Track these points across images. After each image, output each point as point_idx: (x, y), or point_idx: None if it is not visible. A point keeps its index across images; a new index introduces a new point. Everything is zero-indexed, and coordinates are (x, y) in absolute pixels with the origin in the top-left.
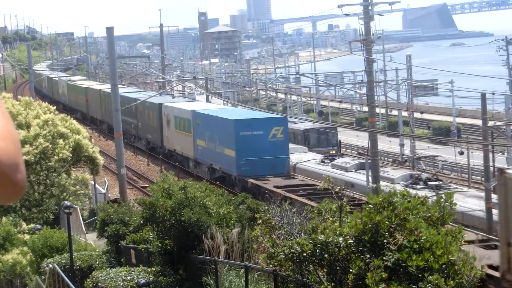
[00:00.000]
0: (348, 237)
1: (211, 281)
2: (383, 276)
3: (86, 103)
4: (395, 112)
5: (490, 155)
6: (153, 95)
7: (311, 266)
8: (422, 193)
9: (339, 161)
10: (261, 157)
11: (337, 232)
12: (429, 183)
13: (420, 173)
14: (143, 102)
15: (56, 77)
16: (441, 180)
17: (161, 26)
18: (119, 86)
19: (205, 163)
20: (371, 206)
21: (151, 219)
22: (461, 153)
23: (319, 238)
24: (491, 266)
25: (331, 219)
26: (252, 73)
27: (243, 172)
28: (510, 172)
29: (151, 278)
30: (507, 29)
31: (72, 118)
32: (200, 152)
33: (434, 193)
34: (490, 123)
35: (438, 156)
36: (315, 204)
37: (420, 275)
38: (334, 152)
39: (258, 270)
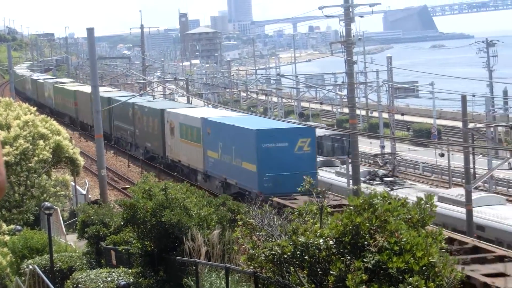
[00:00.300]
0: (328, 238)
1: (192, 283)
2: (364, 277)
3: (75, 107)
4: (375, 114)
5: (471, 157)
6: (156, 100)
7: (291, 267)
8: (379, 188)
9: None
10: (286, 172)
11: (318, 234)
12: (385, 179)
13: (377, 169)
14: (141, 107)
15: (41, 79)
16: (397, 177)
17: (141, 27)
18: (114, 89)
19: (217, 177)
20: (351, 207)
21: (131, 220)
22: (442, 155)
23: (300, 239)
24: None
25: (311, 220)
26: (233, 74)
27: (265, 189)
28: None
29: (131, 280)
30: (488, 31)
31: (52, 119)
32: (211, 164)
33: (389, 188)
34: (471, 125)
35: (394, 153)
36: None
37: (400, 277)
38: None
39: (238, 271)
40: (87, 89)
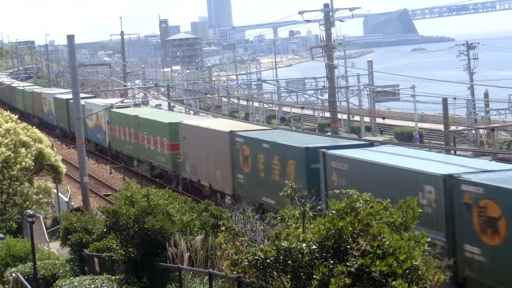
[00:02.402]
0: (311, 243)
1: None
2: (347, 281)
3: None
4: (357, 118)
5: None
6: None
7: (275, 272)
8: None
9: None
10: None
11: (300, 238)
12: None
13: None
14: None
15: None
16: None
17: (122, 33)
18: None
19: None
20: (334, 211)
21: (114, 227)
22: None
23: (283, 244)
24: None
25: (294, 225)
26: (214, 80)
27: None
28: None
29: (115, 286)
30: (468, 33)
31: (33, 126)
32: None
33: None
34: (452, 128)
35: None
36: None
37: (383, 280)
38: None
39: (222, 277)
40: (192, 120)
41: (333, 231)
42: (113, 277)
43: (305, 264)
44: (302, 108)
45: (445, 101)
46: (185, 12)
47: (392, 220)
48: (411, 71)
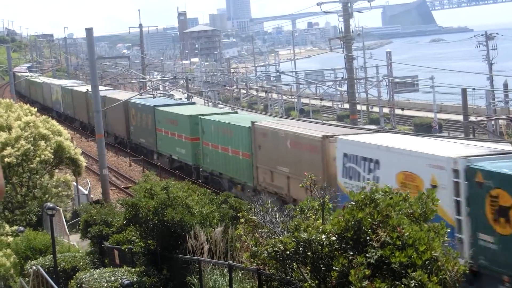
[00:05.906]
0: (331, 234)
1: (195, 281)
2: (367, 273)
3: None
4: (376, 109)
5: None
6: None
7: (294, 264)
8: None
9: None
10: None
11: (320, 230)
12: None
13: None
14: None
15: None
16: None
17: (140, 26)
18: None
19: None
20: (353, 203)
21: (134, 219)
22: None
23: (302, 236)
24: None
25: (313, 216)
26: (233, 72)
27: None
28: None
29: (135, 279)
30: (487, 24)
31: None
32: None
33: None
34: (471, 118)
35: None
36: None
37: (403, 272)
38: None
39: (241, 269)
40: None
41: (352, 223)
42: (133, 269)
43: (324, 256)
44: (321, 99)
45: (464, 91)
46: (204, 4)
47: (412, 211)
48: (429, 62)
